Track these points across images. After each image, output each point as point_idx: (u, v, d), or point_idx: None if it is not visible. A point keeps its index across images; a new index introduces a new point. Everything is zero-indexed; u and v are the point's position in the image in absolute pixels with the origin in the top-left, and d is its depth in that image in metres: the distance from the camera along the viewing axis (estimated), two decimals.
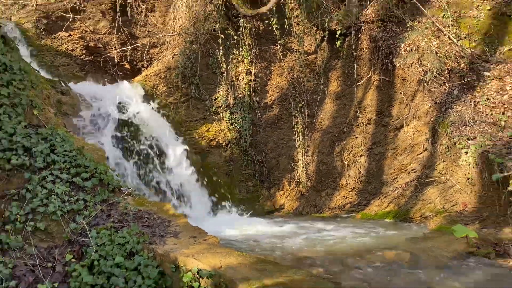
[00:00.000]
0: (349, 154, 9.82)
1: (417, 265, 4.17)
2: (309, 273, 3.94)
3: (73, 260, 4.88)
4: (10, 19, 11.15)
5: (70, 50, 10.83)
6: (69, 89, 8.65)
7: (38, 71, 8.79)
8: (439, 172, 7.89)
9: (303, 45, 11.04)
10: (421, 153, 8.65)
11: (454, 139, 7.61)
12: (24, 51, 9.75)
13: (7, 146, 5.75)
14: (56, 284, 4.63)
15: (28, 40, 10.55)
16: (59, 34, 10.97)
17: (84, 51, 10.95)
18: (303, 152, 10.23)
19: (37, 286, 4.56)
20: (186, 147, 9.34)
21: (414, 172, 8.60)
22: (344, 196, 9.54)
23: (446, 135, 7.87)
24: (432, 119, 8.49)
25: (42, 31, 10.87)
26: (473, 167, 7.06)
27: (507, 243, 4.96)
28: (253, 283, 3.61)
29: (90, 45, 11.11)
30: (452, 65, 8.96)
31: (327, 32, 10.60)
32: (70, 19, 11.13)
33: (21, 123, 6.16)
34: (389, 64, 9.61)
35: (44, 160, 5.80)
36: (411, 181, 8.48)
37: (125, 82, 9.95)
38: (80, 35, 11.12)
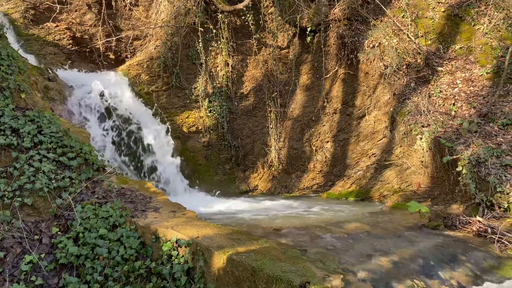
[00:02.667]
0: (317, 140, 9.90)
1: (375, 235, 4.25)
2: (278, 242, 3.98)
3: (59, 233, 4.78)
4: None
5: (57, 40, 10.50)
6: (56, 76, 8.39)
7: (26, 59, 8.49)
8: (397, 156, 8.05)
9: (277, 40, 11.01)
10: (381, 139, 8.79)
11: (410, 126, 7.77)
12: (12, 40, 9.40)
13: None
14: (42, 255, 4.52)
15: (16, 30, 10.17)
16: (47, 25, 10.62)
17: (70, 41, 10.63)
18: (276, 138, 10.26)
19: (24, 257, 4.45)
20: (168, 131, 9.22)
21: (375, 156, 8.75)
22: (312, 178, 9.63)
23: (403, 123, 8.02)
24: (391, 109, 8.63)
25: (30, 21, 10.50)
26: (427, 151, 7.23)
27: (454, 217, 5.11)
28: (227, 250, 3.62)
29: (76, 35, 10.79)
30: (410, 60, 9.10)
31: (298, 28, 10.60)
32: (57, 11, 10.78)
33: (9, 106, 5.95)
34: (354, 59, 9.69)
35: (31, 140, 5.63)
36: (371, 164, 8.62)
37: (112, 72, 9.71)
38: (67, 26, 10.78)
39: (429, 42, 9.56)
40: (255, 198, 8.79)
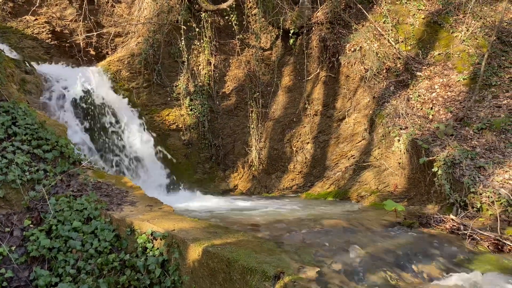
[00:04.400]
0: (298, 141, 9.96)
1: (351, 230, 4.30)
2: (255, 236, 3.98)
3: (31, 225, 4.67)
4: None
5: (36, 34, 10.29)
6: (33, 69, 8.22)
7: (2, 50, 8.30)
8: (375, 157, 8.17)
9: (260, 41, 11.07)
10: (360, 141, 8.91)
11: (389, 128, 7.90)
12: None
13: None
14: (13, 248, 4.41)
15: None
16: (25, 18, 10.39)
17: (50, 36, 10.44)
18: (257, 138, 10.28)
19: None
20: (147, 129, 9.14)
21: (353, 158, 8.85)
22: (291, 179, 9.68)
23: (382, 125, 8.15)
24: (371, 112, 8.76)
25: (8, 14, 10.26)
26: (404, 153, 7.35)
27: (429, 215, 5.21)
28: (203, 242, 3.60)
29: (56, 30, 10.60)
30: (390, 65, 9.27)
31: (281, 30, 10.68)
32: (37, 4, 10.57)
33: None
34: (335, 62, 9.82)
35: (5, 131, 5.50)
36: (350, 166, 8.72)
37: (91, 67, 9.57)
38: (47, 20, 10.58)
39: (409, 47, 9.76)
40: (235, 197, 8.78)
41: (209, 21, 10.60)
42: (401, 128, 7.76)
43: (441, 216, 5.01)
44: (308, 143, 9.79)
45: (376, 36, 9.80)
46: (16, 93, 6.51)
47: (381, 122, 8.21)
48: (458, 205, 5.75)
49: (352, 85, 9.42)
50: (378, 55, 9.36)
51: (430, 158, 6.55)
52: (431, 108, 8.29)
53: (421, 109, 8.33)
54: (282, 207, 6.74)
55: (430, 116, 8.07)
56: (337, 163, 9.16)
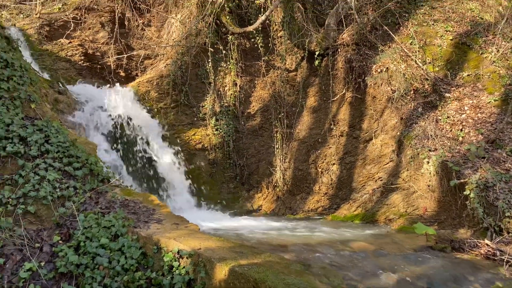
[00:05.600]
0: (323, 162, 9.86)
1: (381, 254, 4.17)
2: (281, 257, 3.91)
3: (60, 241, 4.74)
4: (15, 25, 11.00)
5: (69, 56, 10.72)
6: (66, 90, 8.53)
7: (38, 72, 8.66)
8: (403, 179, 7.98)
9: (285, 62, 11.15)
10: (388, 163, 8.74)
11: (417, 150, 7.73)
12: (26, 54, 9.59)
13: (3, 135, 5.61)
14: (42, 263, 4.48)
15: (30, 45, 10.41)
16: (60, 41, 10.87)
17: (82, 58, 10.85)
18: (281, 158, 10.24)
19: (24, 264, 4.41)
20: (174, 148, 9.26)
21: (381, 180, 8.68)
22: (317, 200, 9.55)
23: (410, 147, 7.99)
24: (398, 133, 8.62)
25: (44, 37, 10.75)
26: (434, 175, 7.16)
27: (462, 240, 5.02)
28: (229, 262, 3.56)
29: (88, 52, 11.02)
30: (417, 86, 9.15)
31: (307, 52, 10.74)
32: (71, 28, 11.05)
33: (19, 115, 6.04)
34: (361, 83, 9.77)
35: (38, 149, 5.66)
36: (377, 188, 8.54)
37: (121, 88, 9.84)
38: (80, 43, 11.02)
39: (437, 68, 9.63)
40: (259, 217, 8.71)
41: (236, 44, 10.79)
42: (430, 150, 7.58)
43: (475, 241, 4.81)
44: (333, 164, 9.68)
45: (403, 57, 9.73)
46: (49, 112, 6.73)
47: (409, 144, 8.05)
48: (493, 230, 5.52)
49: (379, 106, 9.33)
50: (405, 76, 9.26)
51: (462, 180, 6.35)
52: (461, 130, 8.09)
53: (451, 130, 8.14)
54: (307, 229, 6.63)
55: (460, 138, 7.87)
56: (364, 185, 9.00)
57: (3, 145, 5.52)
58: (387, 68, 9.48)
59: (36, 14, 11.24)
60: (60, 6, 11.66)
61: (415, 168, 7.75)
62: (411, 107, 8.84)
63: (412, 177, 7.77)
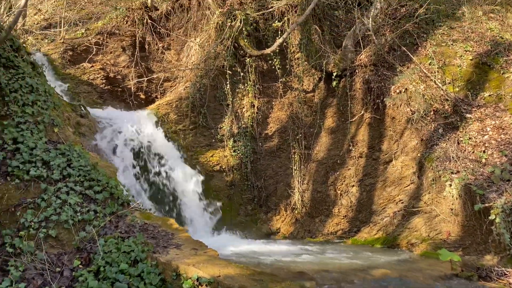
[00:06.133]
0: (342, 184, 9.75)
1: (406, 283, 4.05)
2: (302, 285, 3.84)
3: (80, 266, 4.76)
4: (39, 50, 11.37)
5: (91, 79, 10.99)
6: (87, 113, 8.71)
7: (61, 96, 8.88)
8: (425, 202, 7.82)
9: (302, 84, 11.19)
10: (408, 185, 8.59)
11: (439, 172, 7.58)
12: (50, 78, 9.87)
13: (27, 159, 5.73)
14: None
15: (54, 69, 10.72)
16: (82, 65, 11.17)
17: (104, 81, 11.10)
18: (299, 180, 10.17)
19: None
20: (192, 170, 9.31)
21: (402, 202, 8.52)
22: (336, 223, 9.41)
23: (432, 169, 7.84)
24: (419, 154, 8.48)
25: (67, 62, 11.07)
26: (457, 199, 6.99)
27: (489, 268, 4.84)
28: None
29: (110, 75, 11.28)
30: (438, 106, 9.04)
31: (324, 73, 10.77)
32: (93, 52, 11.36)
33: (42, 139, 6.16)
34: (380, 103, 9.71)
35: (60, 173, 5.76)
36: (398, 211, 8.38)
37: (141, 111, 10.01)
38: (101, 67, 11.31)
39: (457, 89, 9.51)
40: (277, 241, 8.61)
41: (253, 66, 10.91)
42: (452, 172, 7.43)
43: (503, 269, 4.64)
44: (353, 186, 9.56)
45: (422, 77, 9.65)
46: (71, 136, 6.87)
47: (430, 166, 7.91)
48: None
49: (399, 127, 9.23)
50: (425, 97, 9.17)
51: (486, 204, 6.18)
52: (484, 152, 7.91)
53: (473, 152, 7.98)
54: (327, 254, 6.51)
55: (483, 160, 7.70)
56: (384, 208, 8.84)
57: (27, 169, 5.63)
58: (406, 88, 9.41)
59: (60, 40, 11.62)
60: (83, 31, 12.03)
61: (437, 191, 7.59)
62: (431, 128, 8.72)
63: (434, 200, 7.60)
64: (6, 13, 13.00)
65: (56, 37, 12.03)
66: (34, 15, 14.54)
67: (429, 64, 10.00)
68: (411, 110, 9.08)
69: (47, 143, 6.22)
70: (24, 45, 8.57)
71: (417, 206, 7.97)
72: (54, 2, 14.98)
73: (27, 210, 5.28)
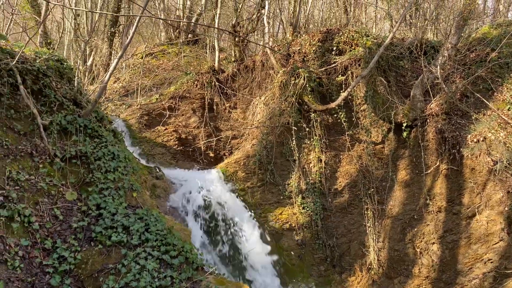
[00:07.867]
0: (421, 241, 9.11)
1: None
2: None
3: None
4: (119, 116, 12.34)
5: (165, 141, 11.64)
6: (162, 174, 9.14)
7: (138, 159, 9.46)
8: None
9: (371, 136, 10.95)
10: (497, 242, 7.83)
11: None
12: (128, 142, 10.61)
13: (109, 225, 6.07)
14: None
15: (131, 133, 11.53)
16: (157, 128, 11.91)
17: (176, 142, 11.71)
18: (374, 238, 9.67)
19: None
20: (261, 229, 9.25)
21: (491, 262, 7.74)
22: (417, 285, 8.71)
23: None
24: (506, 208, 7.79)
25: (143, 126, 11.87)
26: None
27: None
28: None
29: (181, 136, 11.89)
30: None
31: (393, 124, 10.49)
32: (167, 116, 12.11)
33: (122, 204, 6.52)
34: (456, 154, 9.18)
35: (139, 238, 6.00)
36: (488, 272, 7.61)
37: (211, 170, 10.32)
38: (174, 129, 11.99)
39: None
40: None
41: (318, 120, 10.92)
42: None
43: None
44: (433, 243, 8.89)
45: (502, 124, 9.04)
46: (149, 200, 7.20)
47: None
48: None
49: (480, 178, 8.60)
50: (507, 145, 8.53)
51: None
52: None
53: None
54: None
55: None
56: (471, 268, 8.07)
57: (109, 234, 5.95)
58: (485, 137, 8.85)
59: (137, 105, 12.57)
60: (157, 97, 12.93)
61: None
62: None
63: None
64: (89, 83, 14.43)
65: (133, 103, 13.04)
66: (114, 83, 15.95)
67: (508, 110, 9.38)
68: (492, 160, 8.46)
69: (126, 208, 6.56)
70: (105, 113, 9.39)
71: (510, 268, 7.19)
72: (131, 70, 16.37)
73: (108, 275, 5.51)
